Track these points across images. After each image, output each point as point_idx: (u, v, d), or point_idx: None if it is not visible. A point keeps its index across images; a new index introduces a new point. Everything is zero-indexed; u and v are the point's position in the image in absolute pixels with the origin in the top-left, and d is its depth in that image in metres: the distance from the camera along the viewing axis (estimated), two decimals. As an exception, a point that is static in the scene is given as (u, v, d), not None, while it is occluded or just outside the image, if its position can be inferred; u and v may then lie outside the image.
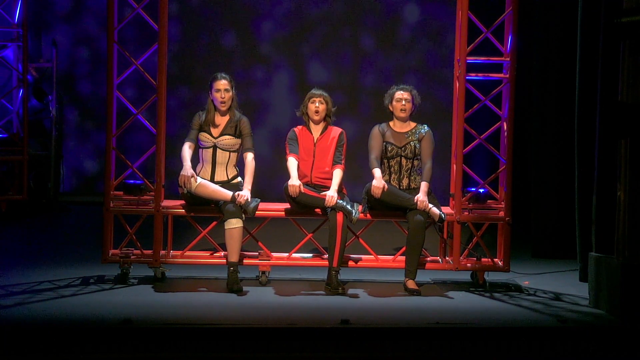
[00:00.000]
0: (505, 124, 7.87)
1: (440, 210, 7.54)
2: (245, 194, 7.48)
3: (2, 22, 9.33)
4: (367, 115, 11.62)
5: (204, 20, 11.92)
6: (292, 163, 7.67)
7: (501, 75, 7.91)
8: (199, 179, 7.53)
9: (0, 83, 10.36)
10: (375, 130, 7.80)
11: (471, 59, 7.84)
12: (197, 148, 7.71)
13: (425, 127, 7.82)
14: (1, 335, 5.91)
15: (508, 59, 7.84)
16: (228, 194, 7.48)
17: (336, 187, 7.59)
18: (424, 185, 7.63)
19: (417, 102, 7.83)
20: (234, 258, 7.45)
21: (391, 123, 7.84)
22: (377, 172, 7.61)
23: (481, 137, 7.90)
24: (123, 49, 7.76)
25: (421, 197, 7.53)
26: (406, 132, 7.80)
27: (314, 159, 7.74)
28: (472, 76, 7.89)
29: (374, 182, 7.54)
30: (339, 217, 7.44)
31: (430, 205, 7.51)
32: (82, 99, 12.16)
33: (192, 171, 7.51)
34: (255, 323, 6.34)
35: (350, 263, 7.85)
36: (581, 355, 6.13)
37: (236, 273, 7.42)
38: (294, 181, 7.55)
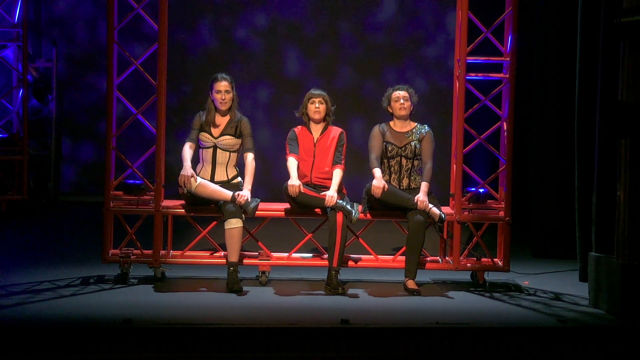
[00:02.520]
0: (505, 124, 7.87)
1: (441, 211, 7.54)
2: (245, 194, 7.48)
3: (2, 22, 9.33)
4: (345, 109, 11.63)
5: (179, 8, 11.90)
6: (292, 163, 7.67)
7: (501, 75, 7.91)
8: (199, 179, 7.53)
9: (0, 83, 10.36)
10: (376, 130, 7.81)
11: (471, 59, 7.84)
12: (198, 148, 7.71)
13: (426, 127, 7.83)
14: (1, 335, 5.91)
15: (508, 59, 7.85)
16: (228, 194, 7.48)
17: (336, 187, 7.59)
18: (424, 186, 7.63)
19: (414, 101, 7.84)
20: (234, 258, 7.45)
21: (391, 123, 7.85)
22: (377, 172, 7.61)
23: (481, 137, 7.90)
24: (123, 49, 7.77)
25: (421, 197, 7.53)
26: (406, 132, 7.80)
27: (314, 159, 7.74)
28: (472, 76, 7.89)
29: (374, 182, 7.54)
30: (339, 217, 7.44)
31: (431, 205, 7.51)
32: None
33: (192, 171, 7.51)
34: (255, 323, 6.34)
35: (350, 263, 7.85)
36: (581, 355, 6.13)
37: (236, 273, 7.42)
38: (294, 181, 7.56)
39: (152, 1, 7.77)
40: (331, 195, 7.49)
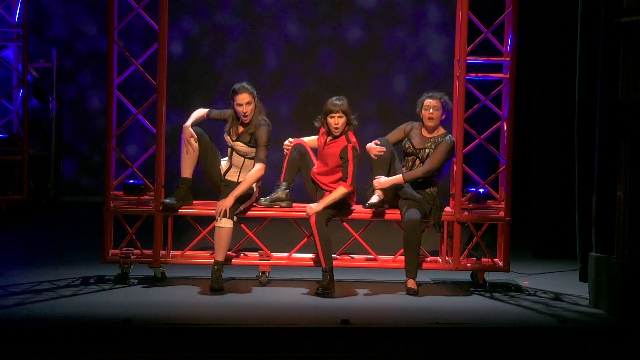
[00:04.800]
0: (505, 124, 7.87)
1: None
2: (225, 204, 7.42)
3: (2, 22, 9.33)
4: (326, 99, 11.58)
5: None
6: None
7: (501, 75, 7.91)
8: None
9: (0, 83, 10.36)
10: (403, 125, 7.81)
11: (471, 59, 7.84)
12: (209, 120, 7.74)
13: (448, 136, 7.69)
14: (1, 335, 5.91)
15: (508, 59, 7.84)
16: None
17: (325, 203, 7.44)
18: (398, 176, 7.56)
19: (448, 108, 7.72)
20: (219, 257, 7.43)
21: (423, 126, 7.79)
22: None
23: (481, 137, 7.90)
24: (123, 49, 7.77)
25: (382, 179, 7.51)
26: (429, 138, 7.72)
27: (318, 160, 7.72)
28: (472, 76, 7.89)
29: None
30: (312, 219, 7.38)
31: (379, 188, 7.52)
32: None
33: (191, 130, 7.55)
34: (255, 323, 6.34)
35: (351, 263, 7.85)
36: (581, 355, 6.13)
37: (220, 272, 7.40)
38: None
39: (152, 1, 7.76)
40: (311, 209, 7.41)
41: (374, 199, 7.58)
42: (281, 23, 11.88)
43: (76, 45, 12.06)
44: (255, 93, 7.61)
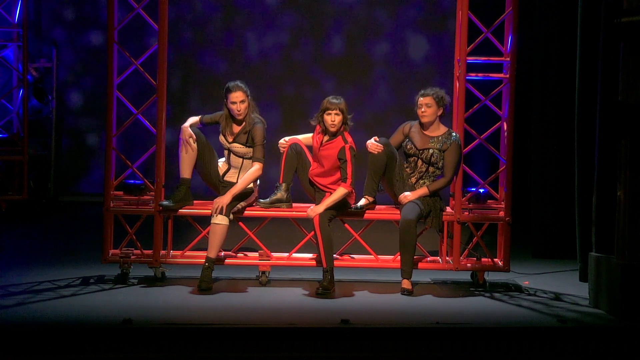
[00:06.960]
0: (505, 124, 7.87)
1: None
2: (223, 201, 7.43)
3: (2, 22, 9.34)
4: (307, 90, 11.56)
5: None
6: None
7: (501, 75, 7.91)
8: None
9: (0, 83, 10.37)
10: (402, 126, 7.79)
11: (471, 59, 7.84)
12: (202, 126, 7.74)
13: (453, 136, 7.69)
14: (1, 335, 5.91)
15: (508, 59, 7.85)
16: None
17: (326, 205, 7.44)
18: (423, 189, 7.59)
19: (443, 103, 7.67)
20: (211, 254, 7.43)
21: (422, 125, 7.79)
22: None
23: (481, 137, 7.90)
24: (123, 48, 7.77)
25: (407, 194, 7.52)
26: (432, 137, 7.69)
27: (314, 161, 7.71)
28: (472, 76, 7.89)
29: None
30: (316, 219, 7.38)
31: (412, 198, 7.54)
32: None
33: (190, 131, 7.55)
34: (255, 323, 6.35)
35: (350, 263, 7.85)
36: (581, 355, 6.13)
37: (210, 270, 7.39)
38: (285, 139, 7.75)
39: (152, 1, 7.76)
40: (312, 210, 7.42)
41: (362, 202, 7.63)
42: (263, 12, 11.84)
43: (75, 44, 12.07)
44: (248, 91, 7.60)
